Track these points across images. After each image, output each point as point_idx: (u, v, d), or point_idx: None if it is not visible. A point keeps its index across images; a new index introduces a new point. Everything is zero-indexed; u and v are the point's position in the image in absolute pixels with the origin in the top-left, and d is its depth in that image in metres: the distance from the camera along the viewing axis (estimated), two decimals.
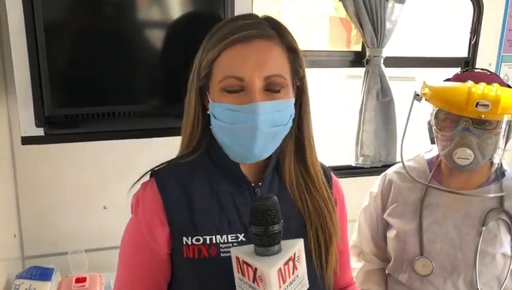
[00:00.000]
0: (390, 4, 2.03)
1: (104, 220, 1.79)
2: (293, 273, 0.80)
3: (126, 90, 1.34)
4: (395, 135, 2.14)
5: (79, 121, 1.32)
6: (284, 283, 0.77)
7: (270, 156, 0.96)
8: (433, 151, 1.48)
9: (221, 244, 0.91)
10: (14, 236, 1.72)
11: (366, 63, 2.09)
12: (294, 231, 0.93)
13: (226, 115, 0.89)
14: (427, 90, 1.35)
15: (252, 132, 0.87)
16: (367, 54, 2.08)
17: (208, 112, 0.93)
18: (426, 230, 1.36)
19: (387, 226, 1.49)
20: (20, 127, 1.26)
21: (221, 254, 0.90)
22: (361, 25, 2.01)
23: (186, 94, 0.98)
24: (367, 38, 2.03)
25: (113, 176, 1.72)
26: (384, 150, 2.15)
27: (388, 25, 2.04)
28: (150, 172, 0.98)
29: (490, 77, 1.32)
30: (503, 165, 1.38)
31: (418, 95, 1.38)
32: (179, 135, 1.01)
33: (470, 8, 2.24)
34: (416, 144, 1.56)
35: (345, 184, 1.12)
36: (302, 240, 0.82)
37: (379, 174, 1.57)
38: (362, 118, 2.13)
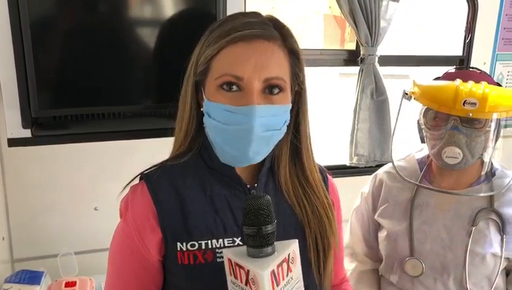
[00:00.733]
0: (384, 2, 2.02)
1: (95, 222, 1.76)
2: (287, 275, 0.77)
3: (117, 90, 1.32)
4: (389, 135, 2.13)
5: (68, 122, 1.30)
6: (277, 286, 0.75)
7: (264, 159, 0.94)
8: (424, 150, 1.46)
9: (217, 249, 0.88)
10: (3, 239, 1.69)
11: (361, 62, 2.08)
12: (293, 235, 0.90)
13: (221, 115, 0.86)
14: (415, 89, 1.33)
15: (247, 134, 0.84)
16: (361, 52, 2.06)
17: (202, 110, 0.91)
18: (416, 231, 1.35)
19: (378, 226, 1.48)
20: (7, 128, 1.24)
21: (217, 259, 0.88)
22: (355, 24, 1.99)
23: (180, 90, 0.95)
24: (361, 37, 2.01)
25: (104, 177, 1.70)
26: (379, 149, 2.13)
27: (383, 24, 2.03)
28: (139, 175, 0.95)
29: (479, 76, 1.31)
30: (494, 164, 1.38)
31: (407, 94, 1.37)
32: (171, 135, 0.99)
33: (465, 7, 2.22)
34: (411, 144, 1.54)
35: (339, 184, 1.11)
36: (297, 241, 0.80)
37: None
38: (356, 117, 2.12)
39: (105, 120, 1.33)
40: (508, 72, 2.32)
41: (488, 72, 2.26)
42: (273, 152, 0.94)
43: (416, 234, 1.35)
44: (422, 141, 1.39)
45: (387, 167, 1.51)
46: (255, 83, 0.84)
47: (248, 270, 0.74)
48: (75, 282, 1.55)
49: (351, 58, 2.14)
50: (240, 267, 0.75)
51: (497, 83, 1.32)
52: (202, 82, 0.90)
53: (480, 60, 2.26)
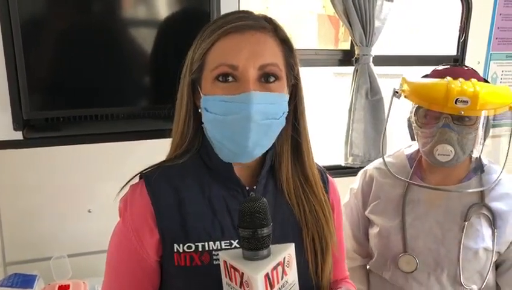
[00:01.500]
0: (379, 2, 2.02)
1: (88, 224, 1.75)
2: (282, 278, 0.77)
3: (110, 92, 1.30)
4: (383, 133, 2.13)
5: (60, 124, 1.28)
6: (271, 289, 0.74)
7: (265, 158, 0.93)
8: (413, 146, 1.48)
9: (213, 251, 0.88)
10: None
11: (355, 62, 2.08)
12: (291, 237, 0.91)
13: (218, 106, 0.86)
14: (406, 87, 1.34)
15: (245, 122, 0.84)
16: (356, 52, 2.06)
17: (199, 110, 0.90)
18: (409, 227, 1.36)
19: (368, 223, 1.48)
20: None
21: (214, 262, 0.87)
22: (350, 23, 1.99)
23: (177, 92, 0.94)
24: (356, 37, 2.01)
25: (98, 179, 1.68)
26: (374, 149, 2.13)
27: (377, 23, 2.03)
28: (138, 175, 0.94)
29: (468, 73, 1.32)
30: (482, 160, 1.39)
31: (397, 92, 1.37)
32: (166, 137, 0.98)
33: (459, 7, 2.23)
34: (405, 141, 1.54)
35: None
36: (293, 244, 0.80)
37: None
38: (351, 117, 2.12)
39: (99, 122, 1.31)
40: (502, 71, 2.33)
41: (482, 71, 2.28)
42: (274, 149, 0.94)
43: (409, 230, 1.36)
44: (413, 139, 1.40)
45: (377, 163, 1.51)
46: (251, 70, 0.84)
47: (242, 273, 0.74)
48: (69, 285, 1.53)
49: (346, 58, 2.14)
50: (235, 269, 0.75)
51: (485, 79, 1.33)
52: (198, 80, 0.90)
53: (474, 59, 2.27)
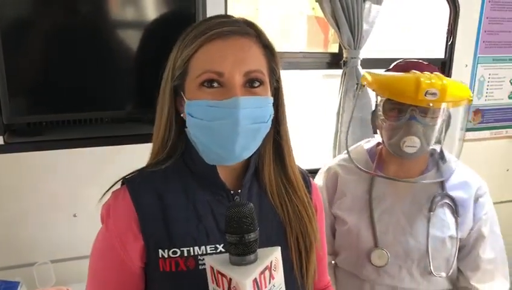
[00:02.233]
0: (367, 5, 2.01)
1: (73, 230, 1.73)
2: (269, 282, 0.77)
3: (95, 95, 1.28)
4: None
5: (43, 128, 1.25)
6: None
7: (249, 161, 0.93)
8: (372, 141, 1.52)
9: (199, 256, 0.87)
10: None
11: (343, 65, 2.07)
12: (275, 238, 0.91)
13: (204, 112, 0.85)
14: (369, 79, 1.38)
15: (233, 127, 0.83)
16: (344, 55, 2.06)
17: (182, 115, 0.90)
18: (377, 221, 1.39)
19: (334, 220, 1.49)
20: None
21: (200, 267, 0.86)
22: (338, 26, 1.98)
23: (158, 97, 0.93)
24: (344, 40, 2.00)
25: (83, 184, 1.66)
26: None
27: (365, 27, 2.03)
28: (121, 180, 0.93)
29: (430, 67, 1.37)
30: (443, 151, 1.44)
31: (363, 85, 1.42)
32: (151, 141, 0.96)
33: (446, 9, 2.24)
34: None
35: None
36: (280, 248, 0.80)
37: None
38: (340, 120, 2.11)
39: (82, 126, 1.29)
40: (489, 74, 2.35)
41: (469, 74, 2.30)
42: (258, 151, 0.94)
43: (378, 224, 1.38)
44: (375, 132, 1.44)
45: (340, 159, 1.53)
46: (236, 77, 0.84)
47: (230, 279, 0.74)
48: None
49: (334, 61, 2.14)
50: (222, 275, 0.75)
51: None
52: (181, 86, 0.89)
53: (461, 62, 2.28)
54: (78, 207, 1.74)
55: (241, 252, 0.75)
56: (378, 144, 1.49)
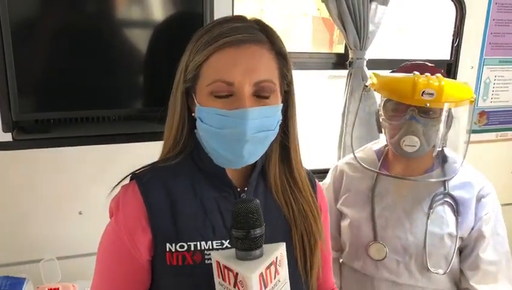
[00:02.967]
0: (373, 6, 2.01)
1: (79, 227, 1.73)
2: (274, 277, 0.78)
3: (103, 93, 1.29)
4: (378, 138, 2.12)
5: (51, 125, 1.26)
6: (265, 288, 0.76)
7: (256, 160, 0.94)
8: (380, 142, 1.57)
9: (205, 251, 0.89)
10: None
11: (349, 66, 2.07)
12: (280, 236, 0.92)
13: (214, 120, 0.86)
14: (375, 80, 1.42)
15: (241, 137, 0.85)
16: (350, 56, 2.06)
17: (194, 115, 0.91)
18: (378, 217, 1.42)
19: (340, 216, 1.53)
20: None
21: (206, 261, 0.88)
22: (344, 27, 1.98)
23: (170, 96, 0.94)
24: (350, 41, 2.00)
25: (90, 182, 1.67)
26: None
27: (371, 27, 2.03)
28: (130, 175, 0.94)
29: (433, 69, 1.39)
30: (445, 151, 1.46)
31: (366, 86, 1.47)
32: (159, 139, 0.98)
33: (453, 11, 2.23)
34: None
35: None
36: (284, 244, 0.81)
37: None
38: (345, 121, 2.11)
39: (90, 124, 1.30)
40: (495, 76, 2.34)
41: (475, 76, 2.29)
42: (265, 152, 0.95)
43: (378, 219, 1.42)
44: (380, 131, 1.48)
45: (347, 158, 1.59)
46: (246, 87, 0.85)
47: (237, 273, 0.75)
48: (58, 288, 1.52)
49: (340, 61, 2.14)
50: (229, 269, 0.76)
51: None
52: (193, 88, 0.91)
53: (467, 64, 2.28)
54: (85, 204, 1.74)
55: (247, 247, 0.76)
56: (386, 145, 1.51)
